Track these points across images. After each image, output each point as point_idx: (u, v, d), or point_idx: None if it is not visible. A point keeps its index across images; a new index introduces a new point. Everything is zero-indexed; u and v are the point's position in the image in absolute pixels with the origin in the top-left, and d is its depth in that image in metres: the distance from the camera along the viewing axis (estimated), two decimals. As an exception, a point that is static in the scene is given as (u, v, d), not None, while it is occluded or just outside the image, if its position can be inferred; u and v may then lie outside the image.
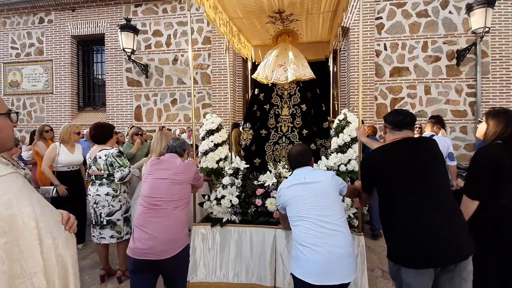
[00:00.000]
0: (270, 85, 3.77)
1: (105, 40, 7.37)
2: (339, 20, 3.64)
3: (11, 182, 0.84)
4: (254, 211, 2.83)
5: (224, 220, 2.78)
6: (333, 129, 2.99)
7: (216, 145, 3.09)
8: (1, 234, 0.75)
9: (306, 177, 1.85)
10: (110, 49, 7.32)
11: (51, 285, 0.83)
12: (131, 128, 5.34)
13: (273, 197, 2.76)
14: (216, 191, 2.87)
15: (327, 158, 2.85)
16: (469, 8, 5.49)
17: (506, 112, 1.88)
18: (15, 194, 0.82)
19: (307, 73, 3.66)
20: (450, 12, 6.16)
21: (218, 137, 3.11)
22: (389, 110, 6.34)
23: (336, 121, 2.94)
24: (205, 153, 3.07)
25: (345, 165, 2.74)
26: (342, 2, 3.33)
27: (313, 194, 1.77)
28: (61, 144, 3.67)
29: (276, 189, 2.70)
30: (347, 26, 6.34)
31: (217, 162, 3.07)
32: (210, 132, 3.12)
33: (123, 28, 6.20)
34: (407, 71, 6.30)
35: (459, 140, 6.12)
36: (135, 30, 6.36)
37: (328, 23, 3.96)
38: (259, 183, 2.94)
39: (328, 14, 3.71)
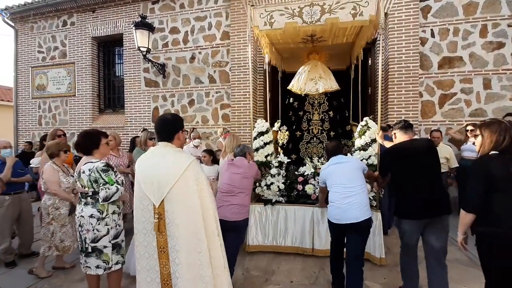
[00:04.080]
0: (303, 95, 4.60)
1: (123, 40, 7.15)
2: (363, 42, 4.25)
3: (196, 163, 1.84)
4: (296, 194, 3.71)
5: (274, 200, 3.69)
6: (356, 132, 3.74)
7: (265, 144, 3.91)
8: (193, 187, 1.78)
9: (339, 160, 2.70)
10: (128, 49, 7.09)
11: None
12: (142, 131, 4.97)
13: (311, 183, 3.64)
14: (265, 179, 3.69)
15: (352, 155, 3.63)
16: (547, -21, 4.41)
17: (500, 122, 1.93)
18: (198, 168, 1.83)
19: (334, 85, 4.47)
20: (517, -13, 5.02)
21: (267, 138, 3.95)
22: (437, 108, 5.36)
23: (359, 126, 3.69)
24: (257, 150, 3.89)
25: (366, 159, 3.47)
26: (364, 30, 4.04)
27: (343, 170, 2.61)
28: None
29: (313, 177, 3.66)
30: (385, 11, 5.43)
31: (266, 156, 3.87)
32: (261, 134, 3.95)
33: (138, 26, 5.88)
34: (461, 61, 5.25)
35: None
36: (150, 28, 6.01)
37: (351, 41, 4.70)
38: (300, 173, 3.77)
39: (351, 36, 4.57)
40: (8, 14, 8.13)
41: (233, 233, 2.64)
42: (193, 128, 6.12)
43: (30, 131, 8.17)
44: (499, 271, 1.83)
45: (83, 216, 2.42)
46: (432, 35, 5.36)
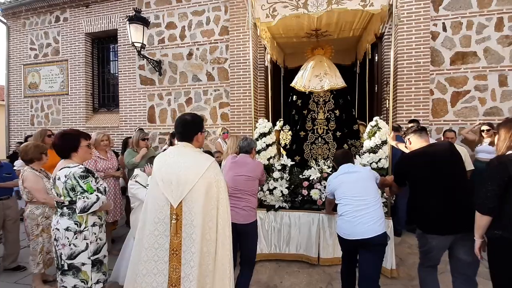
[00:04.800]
0: (307, 93, 4.33)
1: (118, 36, 6.84)
2: (370, 38, 4.08)
3: (216, 165, 1.83)
4: (301, 199, 3.47)
5: (277, 206, 3.45)
6: (365, 133, 3.53)
7: (267, 145, 3.68)
8: (213, 188, 1.77)
9: (349, 169, 2.47)
10: (123, 45, 6.77)
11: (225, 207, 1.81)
12: (137, 131, 4.68)
13: (317, 188, 3.41)
14: (268, 183, 3.44)
15: (360, 157, 3.44)
16: None
17: None
18: (217, 170, 1.82)
19: (340, 82, 4.19)
20: (536, -23, 4.69)
21: (269, 139, 3.71)
22: (449, 107, 5.04)
23: (369, 127, 3.48)
24: (258, 152, 3.62)
25: (376, 163, 3.27)
26: (372, 23, 3.86)
27: (354, 180, 2.38)
28: None
29: (319, 182, 3.41)
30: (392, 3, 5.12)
31: (268, 159, 3.64)
32: (263, 135, 3.70)
33: (132, 20, 5.57)
34: (475, 56, 4.93)
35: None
36: (145, 22, 5.70)
37: (357, 36, 4.52)
38: (305, 177, 3.50)
39: (358, 30, 4.34)
40: (0, 10, 7.84)
41: (243, 238, 2.56)
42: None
43: (22, 131, 7.87)
44: (500, 276, 1.80)
45: (58, 229, 2.13)
46: (444, 29, 5.03)
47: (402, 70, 5.00)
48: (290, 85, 4.49)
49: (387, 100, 4.94)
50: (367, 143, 3.39)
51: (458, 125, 4.94)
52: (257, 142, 3.67)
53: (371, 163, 3.25)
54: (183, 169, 1.75)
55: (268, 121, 4.21)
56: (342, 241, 2.35)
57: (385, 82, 5.31)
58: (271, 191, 3.42)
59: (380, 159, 3.27)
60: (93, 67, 7.46)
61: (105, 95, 7.54)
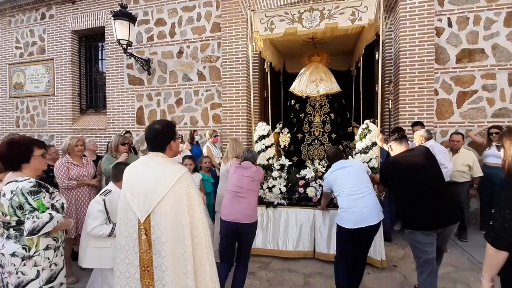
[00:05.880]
0: (304, 97, 4.62)
1: (105, 34, 6.51)
2: (364, 45, 4.15)
3: (188, 176, 1.72)
4: (298, 196, 3.68)
5: (276, 203, 3.66)
6: (357, 135, 3.69)
7: (267, 147, 3.92)
8: (184, 201, 1.64)
9: (342, 165, 2.72)
10: (111, 43, 6.44)
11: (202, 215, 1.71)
12: (124, 133, 4.35)
13: (312, 186, 3.62)
14: (267, 181, 3.66)
15: (353, 157, 3.61)
16: None
17: None
18: (190, 181, 1.70)
19: (335, 88, 4.47)
20: (548, -32, 4.38)
21: (268, 141, 3.96)
22: (455, 108, 4.72)
23: (360, 129, 3.64)
24: (258, 153, 3.75)
25: (367, 162, 3.41)
26: (364, 33, 4.05)
27: (348, 173, 2.63)
28: None
29: (314, 180, 3.65)
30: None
31: (267, 160, 3.90)
32: (262, 137, 3.95)
33: (117, 16, 5.24)
34: (482, 54, 4.61)
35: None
36: (131, 18, 5.37)
37: (353, 42, 4.65)
38: (301, 176, 3.74)
39: (352, 39, 4.54)
40: (-16, 8, 7.51)
41: (243, 237, 2.66)
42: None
43: (7, 133, 7.53)
44: None
45: (3, 254, 1.79)
46: (449, 25, 4.71)
47: (405, 69, 4.68)
48: (289, 90, 4.72)
49: (390, 101, 4.63)
50: (359, 145, 3.57)
51: (465, 128, 4.62)
52: (256, 144, 3.95)
53: (363, 162, 3.39)
54: (151, 181, 1.66)
55: (267, 124, 4.31)
56: (349, 232, 2.43)
57: (387, 82, 4.98)
58: (270, 189, 3.64)
59: (370, 159, 3.46)
60: (80, 66, 7.12)
61: (92, 95, 7.21)
